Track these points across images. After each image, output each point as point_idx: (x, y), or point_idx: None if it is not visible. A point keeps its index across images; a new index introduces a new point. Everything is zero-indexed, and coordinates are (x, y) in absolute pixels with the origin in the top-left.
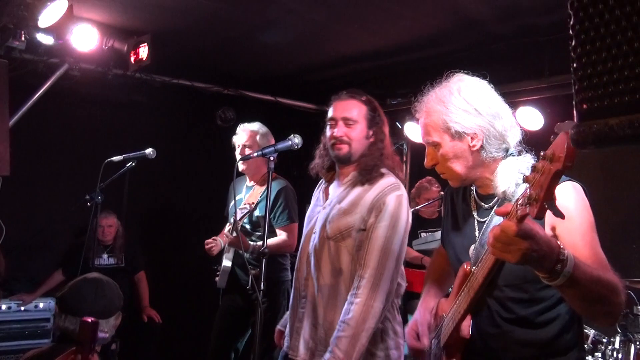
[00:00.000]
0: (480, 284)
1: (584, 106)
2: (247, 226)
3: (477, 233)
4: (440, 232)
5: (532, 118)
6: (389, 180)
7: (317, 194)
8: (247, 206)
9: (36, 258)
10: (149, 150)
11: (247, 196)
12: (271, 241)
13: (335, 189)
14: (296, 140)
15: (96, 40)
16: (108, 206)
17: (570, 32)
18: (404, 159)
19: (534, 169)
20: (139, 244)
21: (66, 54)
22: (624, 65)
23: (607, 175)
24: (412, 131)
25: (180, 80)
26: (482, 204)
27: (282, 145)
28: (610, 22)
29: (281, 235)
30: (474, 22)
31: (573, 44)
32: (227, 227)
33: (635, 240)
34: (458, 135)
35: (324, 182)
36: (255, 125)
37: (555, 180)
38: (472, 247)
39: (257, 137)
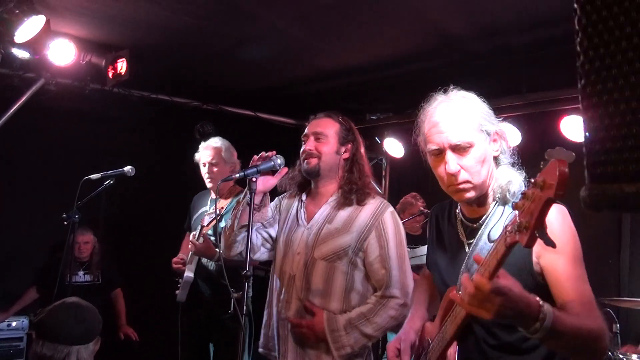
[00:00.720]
0: (467, 314)
1: (597, 170)
2: (212, 238)
3: (464, 254)
4: (421, 248)
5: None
6: (378, 199)
7: (292, 210)
8: (215, 213)
9: (9, 275)
10: (127, 168)
11: (212, 209)
12: None
13: (319, 208)
14: (278, 160)
15: (73, 54)
16: (85, 222)
17: (580, 96)
18: (383, 173)
19: (523, 196)
20: (116, 261)
21: (42, 69)
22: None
23: (580, 189)
24: (391, 146)
25: (159, 95)
26: (469, 224)
27: (265, 166)
28: (624, 89)
29: None
30: (453, 40)
31: (584, 104)
32: (192, 235)
33: (611, 254)
34: (488, 138)
35: (298, 199)
36: (218, 142)
37: (546, 208)
38: (461, 268)
39: (222, 153)
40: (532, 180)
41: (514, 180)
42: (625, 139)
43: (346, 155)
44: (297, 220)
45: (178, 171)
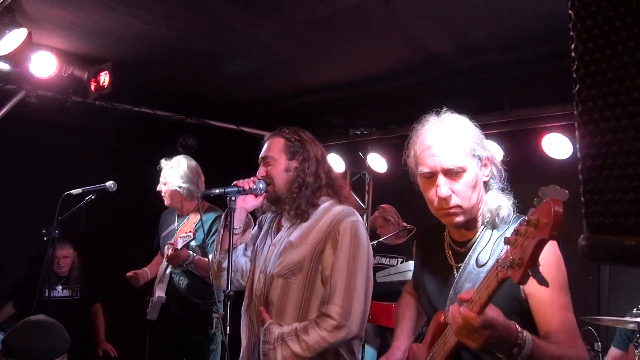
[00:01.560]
0: (456, 342)
1: (596, 220)
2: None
3: (452, 278)
4: (407, 264)
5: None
6: (338, 208)
7: (266, 225)
8: (190, 234)
9: None
10: (109, 183)
11: (182, 226)
12: (207, 260)
13: (284, 224)
14: (261, 185)
15: (55, 67)
16: (65, 236)
17: (579, 148)
18: (366, 188)
19: (516, 232)
20: (95, 276)
21: (24, 81)
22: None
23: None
24: (375, 161)
25: (142, 108)
26: (457, 248)
27: (247, 190)
28: (624, 142)
29: None
30: (437, 57)
31: (581, 155)
32: (182, 240)
33: (591, 272)
34: (480, 163)
35: (276, 213)
36: (173, 162)
37: (539, 248)
38: (449, 293)
39: (170, 174)
40: (526, 218)
41: (503, 205)
42: (626, 192)
43: (295, 171)
44: (268, 235)
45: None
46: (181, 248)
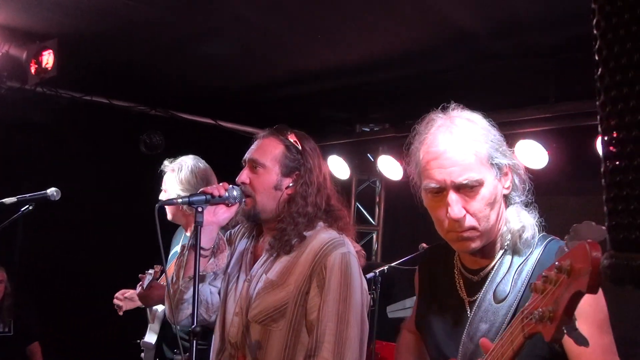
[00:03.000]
0: None
1: (621, 235)
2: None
3: (465, 316)
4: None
5: (534, 154)
6: (326, 235)
7: (238, 253)
8: (151, 272)
9: None
10: (51, 190)
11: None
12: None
13: (262, 253)
14: (234, 192)
15: None
16: None
17: (601, 146)
18: (377, 199)
19: (545, 279)
20: (33, 308)
21: None
22: None
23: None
24: (387, 166)
25: (94, 96)
26: (470, 277)
27: (217, 198)
28: None
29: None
30: (464, 37)
31: (603, 154)
32: (149, 275)
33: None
34: (499, 171)
35: (249, 237)
36: (183, 163)
37: (575, 301)
38: (462, 336)
39: (178, 176)
40: (557, 264)
41: (527, 225)
42: None
43: (290, 191)
44: (241, 266)
45: (120, 194)
46: (147, 287)
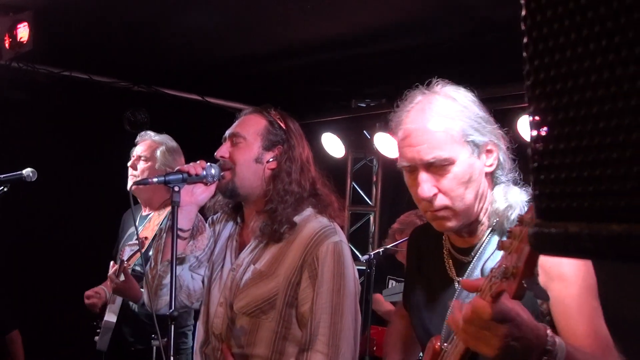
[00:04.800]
0: (462, 354)
1: (543, 204)
2: (140, 269)
3: (453, 293)
4: None
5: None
6: (317, 223)
7: (223, 239)
8: (137, 243)
9: None
10: (27, 171)
11: (142, 230)
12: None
13: (248, 240)
14: (213, 171)
15: None
16: None
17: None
18: (374, 178)
19: (510, 234)
20: (9, 295)
21: None
22: (584, 162)
23: None
24: (384, 143)
25: (73, 72)
26: (459, 256)
27: (194, 176)
28: (577, 122)
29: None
30: (463, 7)
31: (529, 123)
32: (112, 269)
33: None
34: (477, 150)
35: (233, 223)
36: (161, 138)
37: (535, 254)
38: (447, 313)
39: (158, 150)
40: (520, 216)
41: (514, 204)
42: (570, 169)
43: (272, 165)
44: (225, 255)
45: (100, 175)
46: (128, 259)
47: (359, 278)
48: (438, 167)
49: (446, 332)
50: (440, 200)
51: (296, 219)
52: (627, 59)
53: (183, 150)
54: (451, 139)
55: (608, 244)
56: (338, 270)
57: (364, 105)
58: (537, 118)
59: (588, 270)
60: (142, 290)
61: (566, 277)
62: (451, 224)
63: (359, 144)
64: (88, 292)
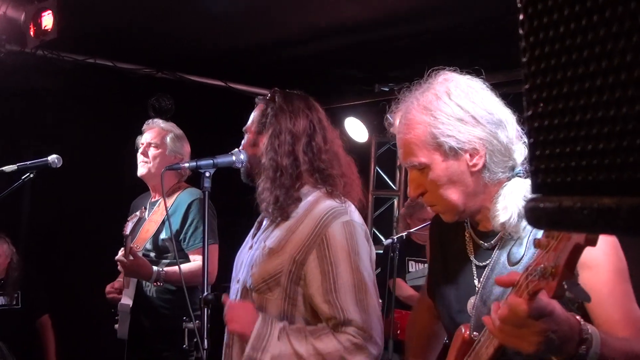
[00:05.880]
0: (495, 350)
1: (539, 179)
2: (152, 254)
3: (476, 281)
4: None
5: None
6: (324, 205)
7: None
8: (137, 214)
9: None
10: (52, 157)
11: (151, 215)
12: (185, 267)
13: (265, 221)
14: (241, 156)
15: None
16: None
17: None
18: (398, 163)
19: (548, 233)
20: (41, 280)
21: None
22: (577, 136)
23: None
24: None
25: (98, 59)
26: (481, 242)
27: (222, 159)
28: (569, 97)
29: (196, 261)
30: None
31: (527, 96)
32: (121, 252)
33: None
34: (453, 153)
35: None
36: (167, 125)
37: (576, 254)
38: (471, 301)
39: (167, 137)
40: None
41: (513, 210)
42: (564, 143)
43: (268, 146)
44: (250, 237)
45: (126, 161)
46: (130, 233)
47: (377, 263)
48: (419, 170)
49: (474, 320)
50: (427, 199)
51: (306, 198)
52: (618, 34)
53: (206, 133)
54: (423, 144)
55: (599, 216)
56: (354, 248)
57: (387, 90)
58: (533, 95)
59: (617, 254)
60: (153, 268)
61: (595, 264)
62: (447, 217)
63: (382, 129)
64: (107, 289)
